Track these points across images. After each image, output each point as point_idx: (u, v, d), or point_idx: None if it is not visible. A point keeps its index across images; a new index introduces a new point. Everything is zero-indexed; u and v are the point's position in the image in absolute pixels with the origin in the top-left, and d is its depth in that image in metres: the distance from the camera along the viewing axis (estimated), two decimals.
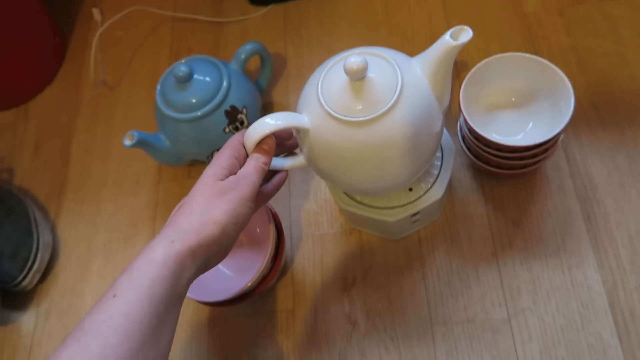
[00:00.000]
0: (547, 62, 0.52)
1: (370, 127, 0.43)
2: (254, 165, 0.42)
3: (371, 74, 0.43)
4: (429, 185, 0.53)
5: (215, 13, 0.80)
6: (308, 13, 0.77)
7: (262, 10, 0.79)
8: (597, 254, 0.54)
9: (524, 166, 0.54)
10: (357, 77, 0.42)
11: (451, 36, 0.43)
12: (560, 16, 0.68)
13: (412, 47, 0.70)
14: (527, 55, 0.53)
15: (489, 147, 0.52)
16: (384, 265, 0.58)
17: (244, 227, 0.41)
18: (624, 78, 0.62)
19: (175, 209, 0.52)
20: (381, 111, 0.42)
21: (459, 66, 0.67)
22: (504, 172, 0.55)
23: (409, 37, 0.72)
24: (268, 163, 0.43)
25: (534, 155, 0.52)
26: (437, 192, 0.53)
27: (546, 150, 0.52)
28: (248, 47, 0.63)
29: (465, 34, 0.43)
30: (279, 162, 0.48)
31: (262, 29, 0.78)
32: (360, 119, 0.42)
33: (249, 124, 0.62)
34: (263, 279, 0.51)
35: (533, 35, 0.67)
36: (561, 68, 0.64)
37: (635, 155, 0.58)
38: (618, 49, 0.64)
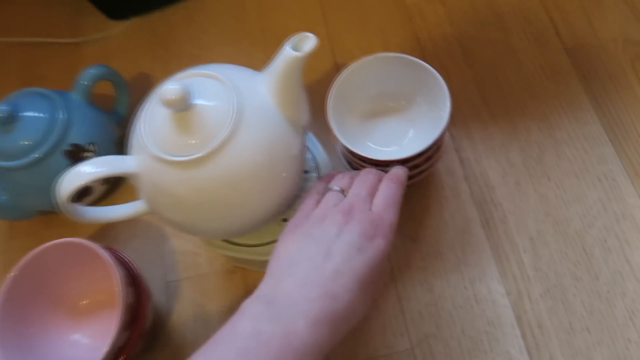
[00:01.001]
0: (419, 61, 0.47)
1: (207, 165, 0.35)
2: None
3: (199, 101, 0.36)
4: None
5: (71, 33, 0.71)
6: (175, 23, 0.69)
7: (124, 25, 0.70)
8: (499, 262, 0.50)
9: (410, 177, 0.48)
10: (178, 108, 0.35)
11: (293, 46, 0.37)
12: (442, 5, 0.63)
13: None
14: (396, 55, 0.48)
15: (364, 162, 0.46)
16: None
17: None
18: (512, 67, 0.58)
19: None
20: (216, 144, 0.35)
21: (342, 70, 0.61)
22: None
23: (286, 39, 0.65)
24: None
25: (416, 166, 0.46)
26: None
27: (428, 159, 0.47)
28: (91, 72, 0.54)
29: (309, 42, 0.37)
30: (114, 212, 0.40)
31: (125, 47, 0.69)
32: (191, 157, 0.35)
33: None
34: (120, 351, 0.43)
35: (416, 28, 0.62)
36: (448, 61, 0.60)
37: (528, 148, 0.54)
38: (503, 36, 0.60)
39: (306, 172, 0.48)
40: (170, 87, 0.34)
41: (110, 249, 0.47)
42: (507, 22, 0.61)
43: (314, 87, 0.61)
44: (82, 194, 0.54)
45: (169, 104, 0.34)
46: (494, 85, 0.58)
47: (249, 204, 0.38)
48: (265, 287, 0.34)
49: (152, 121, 0.37)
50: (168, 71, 0.68)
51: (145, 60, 0.67)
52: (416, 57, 0.47)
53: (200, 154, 0.35)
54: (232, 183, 0.36)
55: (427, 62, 0.47)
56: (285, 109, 0.38)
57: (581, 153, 0.53)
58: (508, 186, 0.53)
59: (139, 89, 0.65)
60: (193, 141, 0.35)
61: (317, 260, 0.34)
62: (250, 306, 0.32)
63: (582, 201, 0.51)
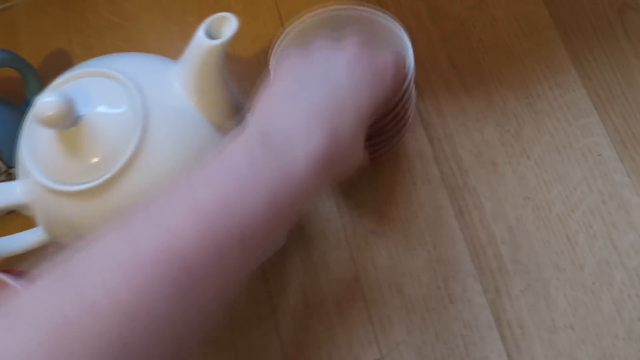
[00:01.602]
0: (375, 12, 0.39)
1: (111, 191, 0.28)
2: None
3: (91, 112, 0.28)
4: None
5: None
6: None
7: None
8: (475, 256, 0.44)
9: (377, 148, 0.42)
10: (61, 125, 0.27)
11: (208, 32, 0.29)
12: None
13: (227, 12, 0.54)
14: (347, 7, 0.40)
15: None
16: (227, 322, 0.46)
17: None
18: (484, 24, 0.51)
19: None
20: (119, 165, 0.28)
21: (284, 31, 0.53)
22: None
23: (224, 3, 0.55)
24: None
25: (382, 132, 0.39)
26: None
27: (396, 120, 0.39)
28: None
29: (229, 24, 0.29)
30: (4, 244, 0.33)
31: (35, 19, 0.58)
32: (89, 185, 0.28)
33: (8, 169, 0.45)
34: None
35: None
36: (411, 19, 0.52)
37: (505, 122, 0.47)
38: None
39: None
40: (45, 101, 0.26)
41: (24, 274, 0.40)
42: None
43: (260, 59, 0.53)
44: None
45: (47, 122, 0.26)
46: (465, 47, 0.50)
47: None
48: (256, 121, 0.28)
49: (34, 142, 0.29)
50: (88, 47, 0.59)
51: (60, 34, 0.57)
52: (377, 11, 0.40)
53: (100, 180, 0.28)
54: None
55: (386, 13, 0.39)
56: (206, 110, 0.30)
57: (563, 125, 0.47)
58: (483, 167, 0.46)
59: (54, 70, 0.55)
60: (91, 162, 0.28)
61: (321, 94, 0.29)
62: (245, 135, 0.27)
63: (565, 181, 0.45)
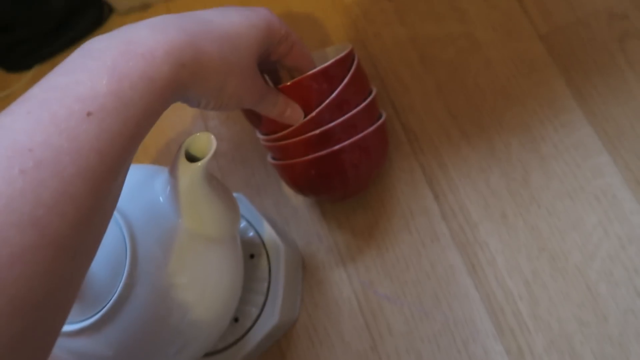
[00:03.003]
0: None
1: (107, 326, 0.28)
2: None
3: None
4: (261, 303, 0.39)
5: None
6: None
7: (26, 77, 0.60)
8: (493, 315, 0.43)
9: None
10: None
11: (188, 153, 0.28)
12: (389, 0, 0.53)
13: None
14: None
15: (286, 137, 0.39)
16: None
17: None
18: (479, 66, 0.49)
19: None
20: (108, 306, 0.27)
21: None
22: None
23: None
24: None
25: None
26: (274, 306, 0.39)
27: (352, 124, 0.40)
28: None
29: (209, 143, 0.28)
30: None
31: None
32: (81, 324, 0.27)
33: None
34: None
35: (361, 32, 0.52)
36: (403, 69, 0.51)
37: (511, 169, 0.46)
38: (464, 29, 0.50)
39: (252, 256, 0.41)
40: None
41: None
42: (467, 12, 0.51)
43: None
44: None
45: None
46: (461, 93, 0.49)
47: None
48: None
49: None
50: None
51: None
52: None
53: (85, 323, 0.27)
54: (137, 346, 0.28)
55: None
56: (195, 225, 0.30)
57: (572, 167, 0.45)
58: (493, 220, 0.45)
59: None
60: (81, 301, 0.28)
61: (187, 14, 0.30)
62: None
63: (579, 228, 0.43)
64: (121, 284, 0.27)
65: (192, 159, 0.28)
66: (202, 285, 0.31)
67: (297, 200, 0.49)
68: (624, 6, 0.48)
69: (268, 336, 0.40)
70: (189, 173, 0.27)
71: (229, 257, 0.32)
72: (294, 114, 0.37)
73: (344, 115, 0.38)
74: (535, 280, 0.43)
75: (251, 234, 0.42)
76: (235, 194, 0.44)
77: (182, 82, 0.26)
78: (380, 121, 0.42)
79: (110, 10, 0.59)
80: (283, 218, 0.49)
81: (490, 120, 0.47)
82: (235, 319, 0.39)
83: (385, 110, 0.47)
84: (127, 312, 0.27)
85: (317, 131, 0.38)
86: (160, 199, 0.29)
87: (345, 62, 0.39)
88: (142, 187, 0.30)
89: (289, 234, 0.48)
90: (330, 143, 0.38)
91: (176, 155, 0.28)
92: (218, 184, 0.31)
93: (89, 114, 0.22)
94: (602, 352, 0.41)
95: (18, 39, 0.57)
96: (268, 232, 0.41)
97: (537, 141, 0.46)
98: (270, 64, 0.37)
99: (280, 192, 0.50)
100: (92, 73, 0.23)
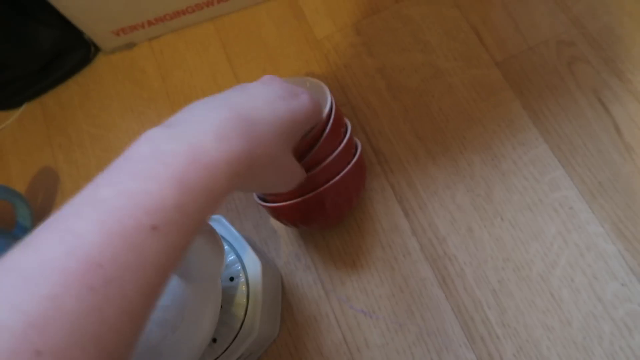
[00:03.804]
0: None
1: None
2: None
3: None
4: (239, 324, 0.41)
5: None
6: (71, 103, 0.62)
7: (15, 114, 0.62)
8: (464, 325, 0.45)
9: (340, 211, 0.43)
10: None
11: None
12: (357, 34, 0.57)
13: None
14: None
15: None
16: None
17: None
18: (442, 93, 0.53)
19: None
20: None
21: None
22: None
23: (194, 99, 0.58)
24: None
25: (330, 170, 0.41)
26: (252, 328, 0.41)
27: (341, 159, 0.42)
28: None
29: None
30: None
31: (20, 139, 0.61)
32: None
33: None
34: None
35: (333, 65, 0.56)
36: (372, 97, 0.54)
37: (474, 186, 0.49)
38: (427, 58, 0.54)
39: (231, 279, 0.43)
40: None
41: None
42: (430, 43, 0.55)
43: None
44: None
45: None
46: (426, 116, 0.52)
47: None
48: (168, 120, 0.29)
49: None
50: (71, 161, 0.62)
51: (45, 151, 0.60)
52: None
53: None
54: None
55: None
56: (183, 271, 0.32)
57: (531, 182, 0.48)
58: (460, 234, 0.48)
59: (42, 187, 0.58)
60: None
61: (234, 97, 0.30)
62: (148, 132, 0.26)
63: (540, 238, 0.46)
64: None
65: None
66: (180, 321, 0.32)
67: (275, 223, 0.51)
68: (571, 34, 0.53)
69: (246, 355, 0.41)
70: None
71: (208, 299, 0.34)
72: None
73: (324, 160, 0.39)
74: (501, 290, 0.45)
75: (231, 257, 0.44)
76: (216, 216, 0.47)
77: (234, 188, 0.26)
78: (357, 157, 0.43)
79: (97, 49, 0.62)
80: (262, 239, 0.51)
81: (454, 141, 0.51)
82: (214, 340, 0.41)
83: (357, 135, 0.50)
84: None
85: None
86: None
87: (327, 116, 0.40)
88: None
89: (267, 254, 0.50)
90: (313, 186, 0.40)
91: None
92: (208, 232, 0.33)
93: (154, 228, 0.22)
94: (568, 356, 0.42)
95: (7, 78, 0.60)
96: (248, 253, 0.43)
97: (498, 158, 0.49)
98: None
99: (259, 214, 0.52)
100: (161, 183, 0.23)
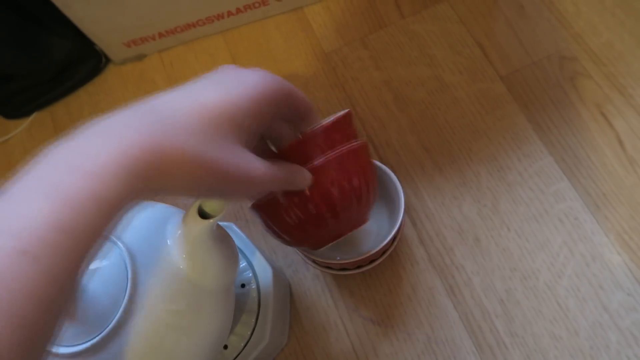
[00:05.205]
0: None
1: (102, 353, 0.29)
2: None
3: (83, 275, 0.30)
4: (250, 331, 0.41)
5: None
6: (81, 112, 0.62)
7: (25, 123, 0.63)
8: (472, 334, 0.45)
9: (372, 260, 0.44)
10: None
11: (201, 209, 0.31)
12: (364, 48, 0.58)
13: None
14: None
15: (330, 268, 0.41)
16: None
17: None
18: (448, 105, 0.54)
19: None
20: (106, 331, 0.29)
21: None
22: (351, 273, 0.44)
23: None
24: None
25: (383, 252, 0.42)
26: (262, 335, 0.41)
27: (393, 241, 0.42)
28: None
29: (219, 205, 0.31)
30: None
31: (30, 148, 0.62)
32: (79, 347, 0.29)
33: None
34: None
35: (341, 78, 0.57)
36: (379, 110, 0.55)
37: (481, 196, 0.50)
38: (434, 72, 0.56)
39: (243, 285, 0.43)
40: None
41: None
42: (435, 57, 0.56)
43: None
44: None
45: None
46: (433, 129, 0.53)
47: None
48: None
49: None
50: None
51: None
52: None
53: (90, 342, 0.29)
54: None
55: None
56: (197, 275, 0.32)
57: (537, 193, 0.49)
58: (467, 244, 0.48)
59: None
60: (82, 325, 0.29)
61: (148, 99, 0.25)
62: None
63: (547, 248, 0.47)
64: (119, 312, 0.29)
65: (204, 215, 0.30)
66: (194, 327, 0.32)
67: None
68: (573, 50, 0.54)
69: (260, 354, 0.41)
70: (197, 227, 0.30)
71: (222, 306, 0.34)
72: (303, 181, 0.31)
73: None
74: (508, 299, 0.46)
75: (243, 263, 0.44)
76: (227, 224, 0.47)
77: (140, 192, 0.22)
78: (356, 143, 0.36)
79: (107, 60, 0.63)
80: (270, 247, 0.51)
81: (460, 153, 0.52)
82: (225, 346, 0.41)
83: None
84: (122, 339, 0.29)
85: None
86: (168, 241, 0.32)
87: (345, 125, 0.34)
88: (155, 224, 0.32)
89: (276, 263, 0.50)
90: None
91: (190, 208, 0.31)
92: (225, 240, 0.33)
93: (23, 252, 0.18)
94: None
95: (18, 88, 0.60)
96: (259, 260, 0.44)
97: (504, 170, 0.50)
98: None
99: None
100: (31, 197, 0.20)
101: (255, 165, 0.26)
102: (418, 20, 0.58)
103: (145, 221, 0.32)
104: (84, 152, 0.21)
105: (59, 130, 0.62)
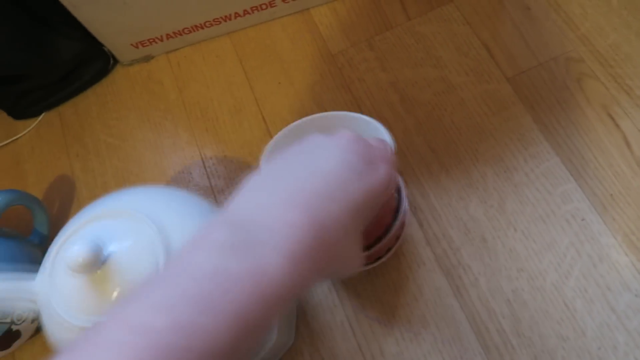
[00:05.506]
0: (359, 116, 0.43)
1: None
2: None
3: (116, 253, 0.30)
4: None
5: None
6: (89, 113, 0.63)
7: (33, 124, 0.63)
8: (479, 334, 0.45)
9: (378, 258, 0.44)
10: (89, 271, 0.29)
11: None
12: (370, 49, 0.59)
13: (215, 122, 0.58)
14: (331, 113, 0.44)
15: None
16: None
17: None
18: (454, 107, 0.54)
19: None
20: None
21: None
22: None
23: (210, 111, 0.59)
24: None
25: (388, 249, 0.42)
26: (268, 335, 0.41)
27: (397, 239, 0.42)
28: None
29: None
30: None
31: (37, 148, 0.62)
32: None
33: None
34: None
35: (347, 79, 0.58)
36: (386, 111, 0.55)
37: (487, 197, 0.50)
38: (440, 73, 0.56)
39: None
40: (77, 250, 0.28)
41: None
42: (442, 59, 0.56)
43: (250, 163, 0.56)
44: (8, 339, 0.48)
45: (80, 269, 0.28)
46: (439, 130, 0.53)
47: None
48: (234, 206, 0.26)
49: (62, 289, 0.31)
50: (88, 170, 0.63)
51: (62, 159, 0.61)
52: (353, 110, 0.44)
53: None
54: None
55: (364, 114, 0.43)
56: None
57: (543, 194, 0.49)
58: (474, 244, 0.48)
59: (59, 195, 0.59)
60: (113, 300, 0.30)
61: (305, 179, 0.26)
62: (213, 232, 0.24)
63: (554, 249, 0.47)
64: None
65: None
66: None
67: None
68: (579, 51, 0.54)
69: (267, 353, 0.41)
70: None
71: None
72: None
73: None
74: (515, 299, 0.46)
75: None
76: None
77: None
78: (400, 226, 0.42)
79: (115, 61, 0.64)
80: None
81: (467, 153, 0.52)
82: None
83: None
84: None
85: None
86: (196, 217, 0.32)
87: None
88: (180, 207, 0.33)
89: None
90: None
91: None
92: None
93: None
94: None
95: (26, 88, 0.61)
96: None
97: (510, 171, 0.50)
98: None
99: None
100: (217, 319, 0.21)
101: (360, 255, 0.30)
102: (424, 22, 0.58)
103: (166, 200, 0.32)
104: (269, 274, 0.23)
105: (67, 130, 0.62)
